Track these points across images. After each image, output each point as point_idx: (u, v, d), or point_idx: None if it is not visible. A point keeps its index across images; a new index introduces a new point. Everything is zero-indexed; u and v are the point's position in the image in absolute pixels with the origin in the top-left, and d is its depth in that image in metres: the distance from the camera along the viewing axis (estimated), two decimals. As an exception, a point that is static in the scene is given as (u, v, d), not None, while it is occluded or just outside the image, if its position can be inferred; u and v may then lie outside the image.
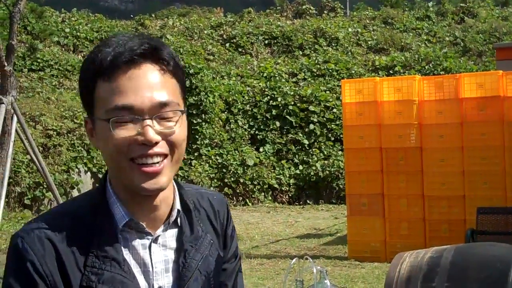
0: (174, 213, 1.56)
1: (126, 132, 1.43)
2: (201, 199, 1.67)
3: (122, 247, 1.49)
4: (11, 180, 12.52)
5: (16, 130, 10.22)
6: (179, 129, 1.48)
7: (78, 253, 1.45)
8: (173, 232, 1.57)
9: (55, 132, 14.85)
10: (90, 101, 1.48)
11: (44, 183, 12.46)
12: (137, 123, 1.43)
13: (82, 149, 14.86)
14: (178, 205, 1.57)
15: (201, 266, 1.57)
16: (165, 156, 1.47)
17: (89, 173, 14.80)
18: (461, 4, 28.68)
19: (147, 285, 1.51)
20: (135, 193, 1.49)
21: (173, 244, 1.56)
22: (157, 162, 1.45)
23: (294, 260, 4.32)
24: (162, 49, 1.49)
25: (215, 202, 1.71)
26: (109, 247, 1.46)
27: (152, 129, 1.43)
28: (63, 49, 21.59)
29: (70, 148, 14.69)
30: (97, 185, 1.62)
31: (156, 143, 1.44)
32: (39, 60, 19.66)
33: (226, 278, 1.69)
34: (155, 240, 1.53)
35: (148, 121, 1.43)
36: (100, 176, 14.86)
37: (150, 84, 1.45)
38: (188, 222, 1.59)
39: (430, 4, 29.53)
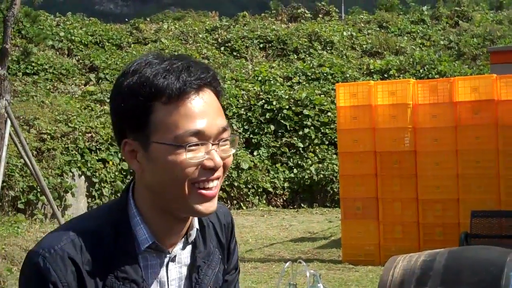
0: (193, 232, 1.57)
1: (196, 156, 1.43)
2: None
3: (141, 267, 1.50)
4: (4, 184, 12.47)
5: (9, 134, 10.18)
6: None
7: (98, 273, 1.45)
8: (189, 248, 1.59)
9: (49, 136, 14.79)
10: (140, 124, 1.45)
11: (38, 187, 12.42)
12: (203, 147, 1.45)
13: (76, 153, 14.80)
14: (196, 224, 1.59)
15: (212, 283, 1.60)
16: (218, 179, 1.49)
17: (83, 177, 14.73)
18: (456, 8, 28.76)
19: None
20: (170, 216, 1.50)
21: (187, 260, 1.58)
22: (215, 186, 1.48)
23: (287, 263, 4.31)
24: (217, 75, 1.52)
25: (221, 215, 1.72)
26: (129, 268, 1.47)
27: (217, 154, 1.46)
28: (58, 53, 21.56)
29: (64, 152, 14.63)
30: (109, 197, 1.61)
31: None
32: (33, 64, 19.61)
33: None
34: (173, 259, 1.55)
35: (214, 146, 1.45)
36: (94, 180, 14.82)
37: (214, 110, 1.48)
38: (202, 238, 1.61)
39: (425, 8, 29.61)
